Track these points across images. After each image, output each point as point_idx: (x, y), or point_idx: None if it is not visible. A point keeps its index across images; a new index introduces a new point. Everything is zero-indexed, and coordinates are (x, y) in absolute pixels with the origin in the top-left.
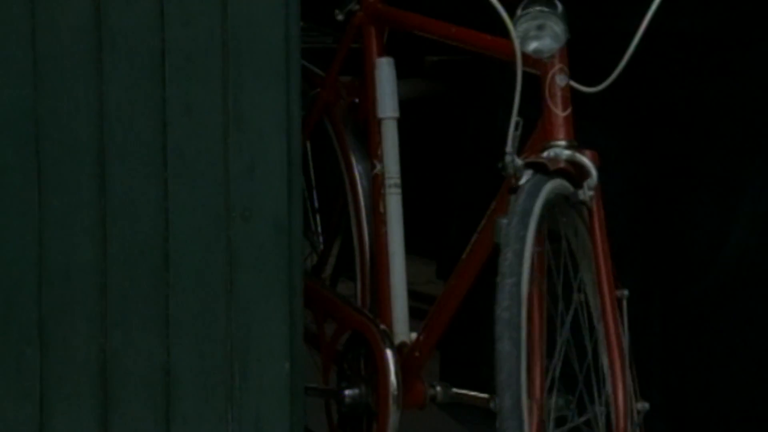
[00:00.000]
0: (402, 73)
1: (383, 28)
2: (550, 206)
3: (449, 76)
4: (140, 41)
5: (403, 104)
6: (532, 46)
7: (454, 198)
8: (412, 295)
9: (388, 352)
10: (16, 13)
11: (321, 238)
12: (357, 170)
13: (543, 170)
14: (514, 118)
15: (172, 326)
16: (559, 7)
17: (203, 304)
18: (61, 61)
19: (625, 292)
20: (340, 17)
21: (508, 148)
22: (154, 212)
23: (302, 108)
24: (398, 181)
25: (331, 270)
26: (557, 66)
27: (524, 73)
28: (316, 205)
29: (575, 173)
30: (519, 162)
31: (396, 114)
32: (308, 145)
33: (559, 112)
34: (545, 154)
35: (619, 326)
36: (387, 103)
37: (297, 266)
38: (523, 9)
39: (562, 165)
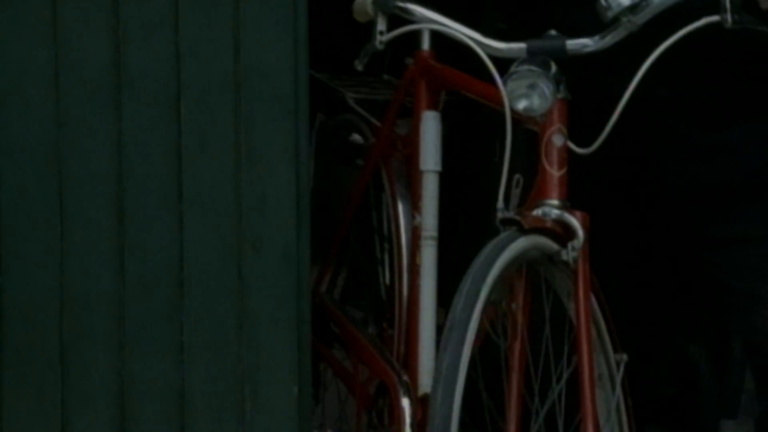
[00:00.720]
0: (408, 112)
1: (434, 83)
2: (532, 262)
3: (452, 115)
4: (157, 81)
5: None
6: (522, 104)
7: (456, 229)
8: None
9: (405, 403)
10: (41, 55)
11: (386, 276)
12: (402, 221)
13: (519, 228)
14: (506, 173)
15: (186, 352)
16: (553, 68)
17: (216, 330)
18: (83, 100)
19: (624, 357)
20: (359, 67)
21: (500, 204)
22: (170, 243)
23: (360, 157)
24: (434, 233)
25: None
26: (555, 126)
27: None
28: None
29: (562, 233)
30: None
31: (437, 168)
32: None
33: (554, 172)
34: (535, 212)
35: (596, 390)
36: (429, 156)
37: (305, 295)
38: (516, 66)
39: (548, 224)
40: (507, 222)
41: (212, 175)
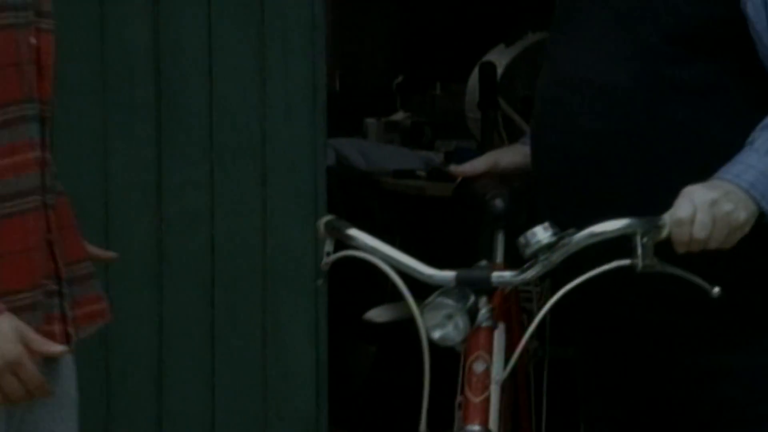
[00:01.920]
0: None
1: None
2: None
3: None
4: (194, 269)
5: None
6: (438, 334)
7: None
8: None
9: None
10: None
11: None
12: None
13: None
14: (426, 397)
15: None
16: (471, 299)
17: None
18: (129, 285)
19: None
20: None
21: (422, 428)
22: (203, 413)
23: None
24: (498, 378)
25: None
26: (476, 353)
27: None
28: None
29: None
30: None
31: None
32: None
33: (475, 399)
34: None
35: None
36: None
37: None
38: (435, 297)
39: None
40: None
41: (241, 352)
